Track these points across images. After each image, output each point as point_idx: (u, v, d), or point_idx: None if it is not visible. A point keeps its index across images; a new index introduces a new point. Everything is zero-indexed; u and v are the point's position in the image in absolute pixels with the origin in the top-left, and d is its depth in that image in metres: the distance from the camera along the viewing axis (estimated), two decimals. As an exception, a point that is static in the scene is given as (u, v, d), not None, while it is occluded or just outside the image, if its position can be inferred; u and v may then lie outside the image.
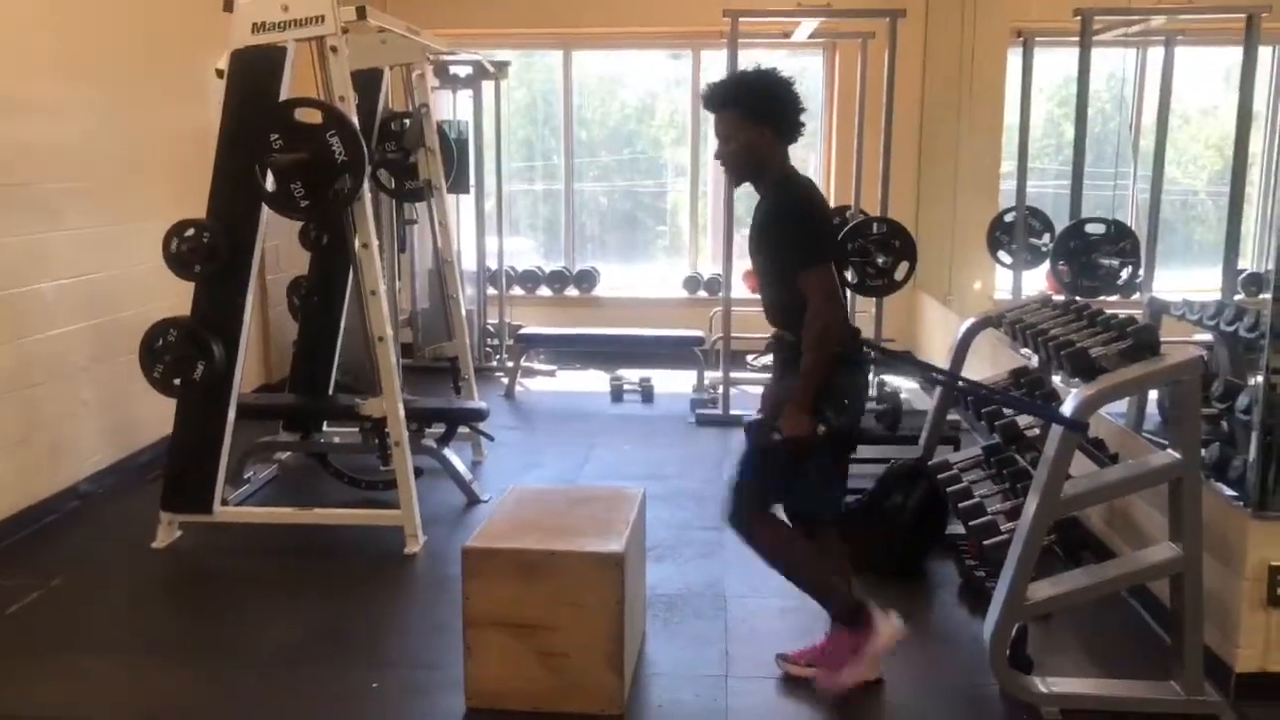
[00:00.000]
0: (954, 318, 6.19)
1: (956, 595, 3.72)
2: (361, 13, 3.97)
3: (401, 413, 4.13)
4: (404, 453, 4.09)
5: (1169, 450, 2.86)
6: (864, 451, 4.62)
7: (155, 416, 4.58)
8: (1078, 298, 4.00)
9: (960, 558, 3.82)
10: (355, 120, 3.89)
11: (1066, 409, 2.77)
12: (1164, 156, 5.54)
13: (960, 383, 3.80)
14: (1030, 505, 2.79)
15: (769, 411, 2.99)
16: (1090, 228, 5.31)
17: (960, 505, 3.49)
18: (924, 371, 6.19)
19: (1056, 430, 2.77)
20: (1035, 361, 3.98)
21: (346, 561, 4.03)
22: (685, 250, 8.42)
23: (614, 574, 2.83)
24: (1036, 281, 6.11)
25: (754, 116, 2.86)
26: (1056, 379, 3.96)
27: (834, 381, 2.84)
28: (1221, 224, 5.22)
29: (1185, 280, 7.14)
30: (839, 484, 3.12)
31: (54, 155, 4.47)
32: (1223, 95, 7.01)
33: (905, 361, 6.35)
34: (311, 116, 3.84)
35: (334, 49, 3.86)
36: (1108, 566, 3.06)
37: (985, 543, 3.19)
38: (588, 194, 8.56)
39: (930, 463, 3.97)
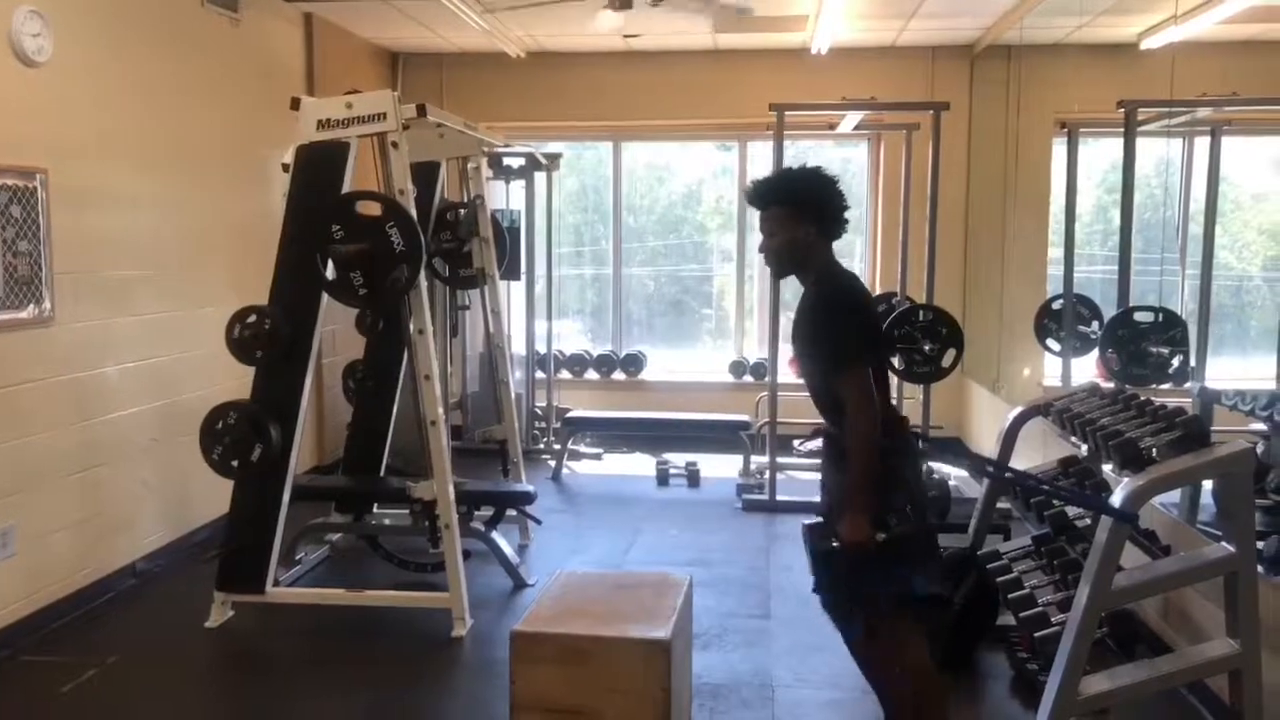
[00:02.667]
0: (1002, 405, 6.16)
1: (1009, 688, 3.65)
2: (422, 110, 4.13)
3: (451, 496, 4.18)
4: (453, 536, 4.13)
5: (1222, 543, 2.83)
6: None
7: (211, 496, 4.68)
8: (1127, 386, 3.98)
9: (1012, 650, 3.76)
10: (414, 213, 4.02)
11: (1115, 500, 2.75)
12: (1213, 244, 5.53)
13: (1008, 473, 3.78)
14: (1080, 596, 2.76)
15: (823, 512, 2.93)
16: (1139, 316, 5.28)
17: (1011, 596, 3.44)
18: (972, 461, 6.16)
19: (1106, 521, 2.75)
20: (1085, 451, 3.95)
21: (394, 643, 4.05)
22: (731, 334, 8.49)
23: (660, 661, 2.83)
24: (1087, 368, 6.07)
25: (799, 214, 2.88)
26: (1107, 468, 3.92)
27: (889, 482, 2.78)
28: (1277, 310, 5.16)
29: (1243, 368, 7.04)
30: (918, 577, 2.84)
31: (125, 244, 4.65)
32: (1273, 182, 7.00)
33: (953, 451, 6.34)
34: (372, 209, 3.98)
35: (395, 144, 4.03)
36: (1162, 661, 3.00)
37: (1036, 635, 3.14)
38: (635, 278, 8.68)
39: (980, 552, 3.93)
